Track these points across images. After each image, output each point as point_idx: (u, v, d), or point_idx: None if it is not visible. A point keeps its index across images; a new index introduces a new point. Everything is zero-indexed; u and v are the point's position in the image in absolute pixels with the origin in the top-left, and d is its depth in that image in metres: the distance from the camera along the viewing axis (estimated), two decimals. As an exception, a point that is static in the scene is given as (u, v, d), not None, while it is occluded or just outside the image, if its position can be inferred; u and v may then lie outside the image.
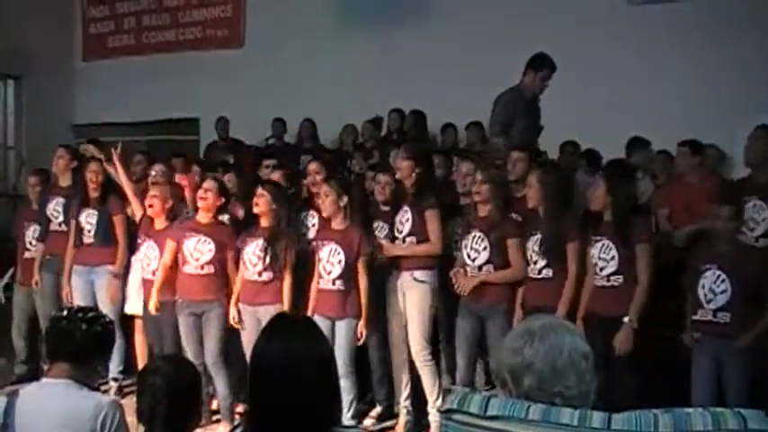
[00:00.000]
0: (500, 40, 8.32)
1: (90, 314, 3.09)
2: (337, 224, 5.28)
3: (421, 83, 8.55)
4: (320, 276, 5.25)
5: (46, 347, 3.13)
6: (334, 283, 5.19)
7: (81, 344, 2.96)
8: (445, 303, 5.31)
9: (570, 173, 5.95)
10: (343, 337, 5.12)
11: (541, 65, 5.99)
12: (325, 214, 5.31)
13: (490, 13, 8.53)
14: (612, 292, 4.62)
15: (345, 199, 5.24)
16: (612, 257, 4.62)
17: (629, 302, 4.54)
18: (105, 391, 5.71)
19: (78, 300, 6.20)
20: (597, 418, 1.79)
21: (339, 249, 5.17)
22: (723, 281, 4.45)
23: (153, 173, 6.22)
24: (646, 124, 6.90)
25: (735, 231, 4.62)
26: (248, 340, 5.29)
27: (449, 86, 8.35)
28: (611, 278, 4.63)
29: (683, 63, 7.54)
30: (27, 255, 6.75)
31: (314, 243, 5.38)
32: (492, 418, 1.86)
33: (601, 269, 4.65)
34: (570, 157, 6.77)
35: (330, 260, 5.20)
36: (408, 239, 5.32)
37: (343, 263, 5.17)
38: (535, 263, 4.88)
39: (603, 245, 4.65)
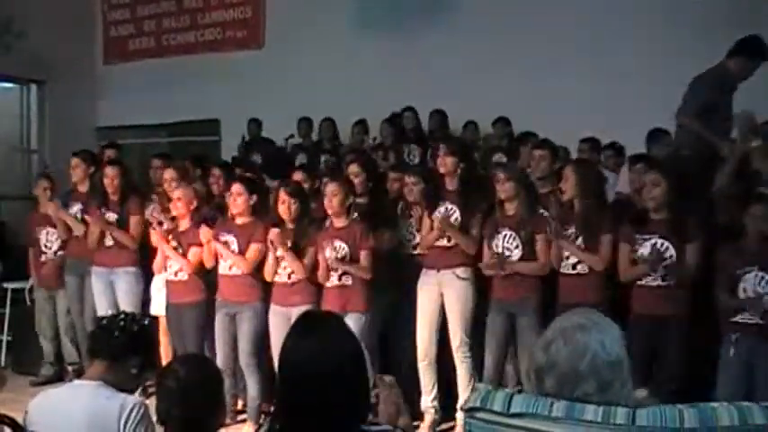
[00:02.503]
0: (518, 35, 8.31)
1: (130, 316, 3.19)
2: (341, 222, 5.30)
3: (439, 80, 8.54)
4: (328, 273, 5.25)
5: (87, 346, 3.21)
6: (340, 279, 5.22)
7: (118, 342, 3.01)
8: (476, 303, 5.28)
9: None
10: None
11: (757, 53, 5.25)
12: (330, 212, 5.31)
13: (507, 8, 8.50)
14: (664, 292, 4.55)
15: (351, 198, 5.28)
16: (671, 257, 4.54)
17: (679, 303, 4.53)
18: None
19: (100, 302, 6.29)
20: (621, 414, 1.77)
21: (344, 246, 5.20)
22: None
23: (166, 178, 6.22)
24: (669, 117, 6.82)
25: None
26: (277, 341, 5.32)
27: (466, 83, 8.34)
28: (667, 277, 4.55)
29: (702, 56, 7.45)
30: (43, 258, 6.82)
31: (321, 243, 5.33)
32: (515, 415, 1.86)
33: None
34: (589, 154, 6.68)
35: (331, 256, 5.20)
36: (445, 240, 5.28)
37: (348, 259, 5.20)
38: (568, 258, 4.84)
39: (656, 243, 4.57)
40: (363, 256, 5.21)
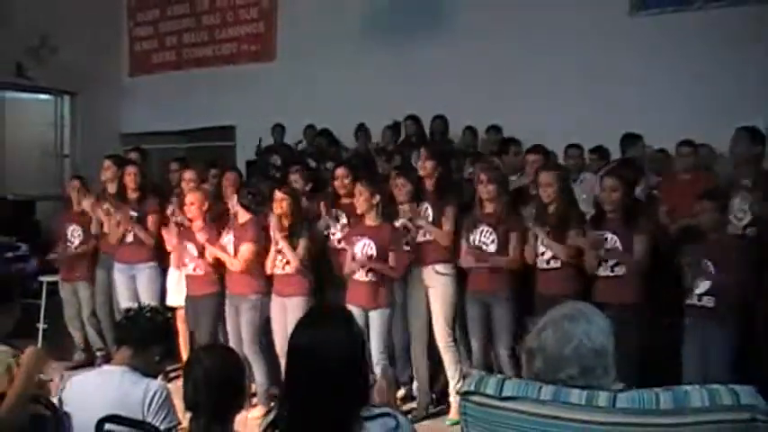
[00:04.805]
0: (511, 49, 8.29)
1: (155, 308, 3.29)
2: (370, 221, 5.24)
3: (437, 91, 8.51)
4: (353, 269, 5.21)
5: (115, 334, 3.25)
6: (366, 275, 5.15)
7: (143, 331, 3.07)
8: (459, 295, 5.28)
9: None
10: (376, 326, 5.07)
11: None
12: (359, 211, 5.27)
13: (502, 24, 8.48)
14: (615, 281, 4.60)
15: (377, 197, 5.22)
16: (616, 247, 4.64)
17: (635, 291, 4.56)
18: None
19: (122, 295, 6.30)
20: (603, 397, 1.79)
21: (372, 244, 5.12)
22: (708, 268, 4.42)
23: (185, 178, 6.25)
24: (657, 126, 6.80)
25: (718, 223, 4.51)
26: (278, 328, 5.39)
27: (462, 92, 8.34)
28: (615, 269, 4.63)
29: (681, 70, 7.43)
30: (66, 252, 6.78)
31: (349, 238, 5.31)
32: (507, 398, 1.88)
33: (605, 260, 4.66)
34: (575, 160, 6.64)
35: (363, 253, 5.13)
36: (428, 235, 5.29)
37: (375, 257, 5.12)
38: (542, 254, 4.88)
39: (607, 237, 4.66)
40: (392, 256, 5.15)
